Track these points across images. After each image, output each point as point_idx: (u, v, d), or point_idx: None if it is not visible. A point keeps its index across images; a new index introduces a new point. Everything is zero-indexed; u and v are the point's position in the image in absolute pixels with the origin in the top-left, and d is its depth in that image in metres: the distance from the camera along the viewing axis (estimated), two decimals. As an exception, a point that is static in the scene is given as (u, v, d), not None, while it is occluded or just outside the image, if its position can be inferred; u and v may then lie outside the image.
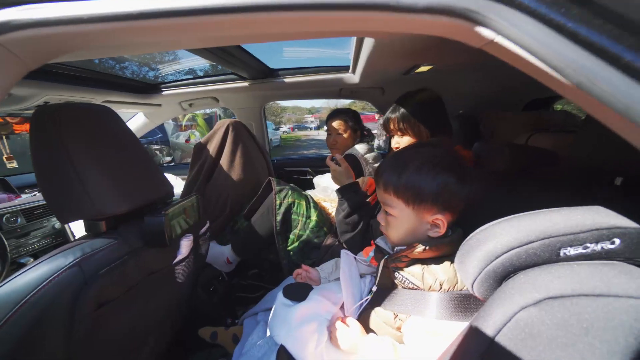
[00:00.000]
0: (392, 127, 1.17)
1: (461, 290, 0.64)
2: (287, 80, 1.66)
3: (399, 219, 0.68)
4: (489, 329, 0.46)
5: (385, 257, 0.73)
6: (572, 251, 0.49)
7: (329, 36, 0.64)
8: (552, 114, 1.42)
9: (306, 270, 0.95)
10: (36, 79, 1.13)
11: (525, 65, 0.38)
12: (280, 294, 0.82)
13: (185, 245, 0.78)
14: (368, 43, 0.94)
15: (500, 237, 0.51)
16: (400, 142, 1.17)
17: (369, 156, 1.76)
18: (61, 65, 1.18)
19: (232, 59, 1.34)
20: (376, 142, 2.15)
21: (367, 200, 1.35)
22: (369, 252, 0.92)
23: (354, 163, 1.71)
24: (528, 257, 0.49)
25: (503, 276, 0.51)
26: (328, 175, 1.57)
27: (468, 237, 0.58)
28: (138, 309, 0.65)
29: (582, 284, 0.42)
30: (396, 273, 0.71)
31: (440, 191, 0.63)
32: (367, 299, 0.77)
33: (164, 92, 1.76)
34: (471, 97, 1.55)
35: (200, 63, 1.80)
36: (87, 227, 0.64)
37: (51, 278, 0.49)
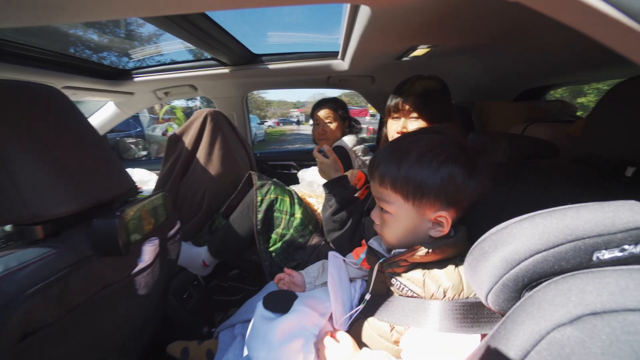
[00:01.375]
0: (407, 107, 1.02)
1: (467, 297, 0.56)
2: (272, 66, 1.54)
3: (397, 216, 0.59)
4: (512, 352, 0.38)
5: (380, 261, 0.64)
6: (607, 255, 0.41)
7: (319, 1, 0.54)
8: (547, 103, 1.37)
9: (289, 274, 0.85)
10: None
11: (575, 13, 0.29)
12: (259, 304, 0.72)
13: (149, 251, 0.67)
14: (361, 21, 0.84)
15: (522, 238, 0.43)
16: (408, 126, 1.04)
17: (358, 149, 1.67)
18: (7, 42, 1.03)
19: (211, 41, 1.21)
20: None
21: (357, 195, 1.27)
22: (359, 253, 0.84)
23: (343, 156, 1.62)
24: (556, 262, 0.41)
25: (524, 285, 0.44)
26: (314, 169, 1.47)
27: (480, 239, 0.49)
28: (86, 332, 0.54)
29: (631, 295, 0.34)
30: (393, 279, 0.62)
31: (445, 184, 0.54)
32: (359, 309, 0.68)
33: (136, 79, 1.61)
34: (465, 86, 1.48)
35: (177, 47, 1.65)
36: (19, 234, 0.52)
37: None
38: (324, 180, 1.06)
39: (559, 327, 0.35)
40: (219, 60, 1.51)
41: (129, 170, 1.90)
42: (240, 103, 1.92)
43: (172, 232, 0.81)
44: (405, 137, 0.60)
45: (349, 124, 1.78)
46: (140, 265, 0.65)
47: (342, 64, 1.48)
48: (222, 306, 1.54)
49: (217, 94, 1.87)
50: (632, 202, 0.41)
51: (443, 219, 0.56)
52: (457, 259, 0.59)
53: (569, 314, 0.35)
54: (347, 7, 0.84)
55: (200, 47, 1.28)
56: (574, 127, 1.05)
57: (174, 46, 1.56)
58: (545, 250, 0.41)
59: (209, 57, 1.51)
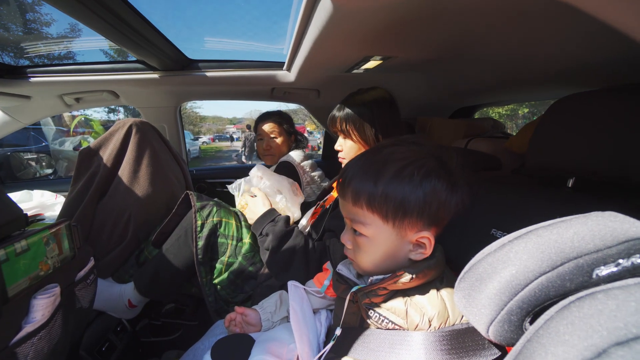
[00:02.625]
0: (334, 127, 1.05)
1: (453, 324, 0.51)
2: (210, 74, 1.39)
3: (374, 239, 0.52)
4: (535, 398, 0.32)
5: (354, 290, 0.56)
6: (604, 271, 0.39)
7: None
8: (482, 120, 1.49)
9: (242, 313, 0.71)
10: None
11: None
12: (207, 357, 0.57)
13: (42, 306, 0.47)
14: (316, 27, 0.78)
15: (523, 259, 0.39)
16: (344, 145, 1.06)
17: (306, 164, 1.60)
18: None
19: (138, 40, 1.03)
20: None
21: (293, 225, 1.18)
22: (322, 280, 0.74)
23: (291, 172, 1.53)
24: (562, 284, 0.37)
25: (528, 313, 0.39)
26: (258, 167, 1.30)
27: (472, 264, 0.44)
28: None
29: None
30: (370, 311, 0.54)
31: (428, 201, 0.49)
32: (328, 348, 0.58)
33: (32, 79, 1.30)
34: (408, 103, 1.53)
35: (93, 45, 1.39)
36: None
37: None
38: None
39: (586, 363, 0.30)
40: (147, 63, 1.31)
41: (24, 193, 1.53)
42: (173, 114, 1.71)
43: (82, 272, 0.62)
44: (379, 148, 0.53)
45: (295, 139, 1.70)
46: (27, 329, 0.45)
47: (287, 76, 1.41)
48: (155, 350, 1.29)
49: (145, 103, 1.63)
50: (612, 213, 0.40)
51: (425, 240, 0.51)
52: (437, 281, 0.54)
53: (594, 348, 0.31)
54: (300, 11, 0.78)
55: (124, 47, 1.08)
56: (510, 142, 1.14)
57: (91, 43, 1.31)
58: (550, 271, 0.37)
59: (134, 59, 1.30)
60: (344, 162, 1.09)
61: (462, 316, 0.51)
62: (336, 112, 1.03)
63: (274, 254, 0.90)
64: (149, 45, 1.10)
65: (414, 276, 0.49)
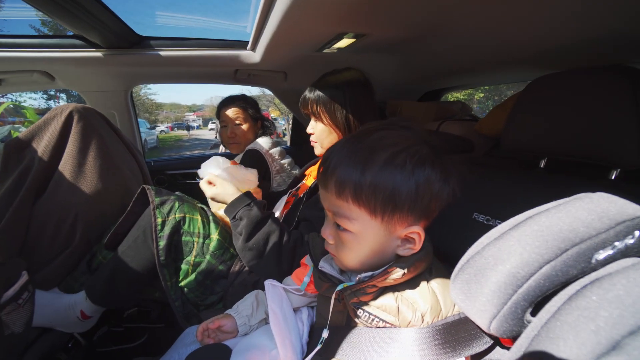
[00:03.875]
0: (306, 109, 1.00)
1: (446, 317, 0.49)
2: (164, 54, 1.24)
3: (360, 236, 0.47)
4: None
5: (339, 289, 0.52)
6: (602, 255, 0.38)
7: None
8: (451, 103, 1.50)
9: (218, 326, 0.64)
10: None
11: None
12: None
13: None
14: (282, 3, 0.70)
15: (526, 248, 0.37)
16: (315, 128, 1.01)
17: (275, 151, 1.52)
18: None
19: (74, 9, 0.87)
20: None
21: (279, 207, 1.11)
22: (301, 276, 0.69)
23: (258, 160, 1.45)
24: (565, 271, 0.36)
25: (531, 303, 0.37)
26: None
27: (469, 256, 0.41)
28: None
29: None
30: (359, 310, 0.50)
31: (421, 192, 0.44)
32: (315, 351, 0.54)
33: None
34: (380, 85, 1.49)
35: (17, 13, 1.17)
36: None
37: None
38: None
39: (602, 358, 0.29)
40: (87, 39, 1.13)
41: None
42: (124, 99, 1.52)
43: (11, 292, 0.51)
44: (366, 132, 0.48)
45: (261, 125, 1.61)
46: None
47: (252, 56, 1.30)
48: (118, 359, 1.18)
49: (88, 86, 1.44)
50: (608, 195, 0.39)
51: (415, 236, 0.47)
52: (426, 272, 0.51)
53: (607, 340, 0.29)
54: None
55: (58, 18, 0.92)
56: (480, 124, 1.14)
57: (15, 12, 1.09)
58: (554, 259, 0.35)
59: (71, 33, 1.12)
60: (316, 146, 1.04)
61: (454, 307, 0.49)
62: (307, 94, 0.98)
63: (246, 241, 0.84)
64: (88, 17, 0.94)
65: (405, 271, 0.46)
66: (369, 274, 0.49)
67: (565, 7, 0.61)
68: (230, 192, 0.91)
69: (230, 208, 0.88)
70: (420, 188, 0.44)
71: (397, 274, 0.46)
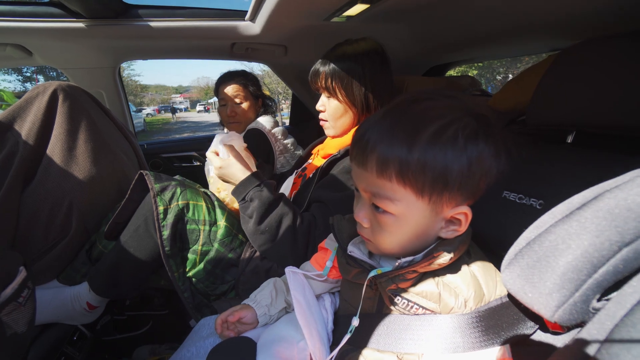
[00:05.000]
0: (317, 84, 0.92)
1: (488, 302, 0.45)
2: (155, 24, 1.13)
3: (403, 217, 0.43)
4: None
5: (373, 275, 0.48)
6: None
7: None
8: (459, 78, 1.44)
9: (237, 318, 0.60)
10: None
11: None
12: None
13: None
14: None
15: (599, 229, 0.33)
16: (327, 104, 0.93)
17: (277, 131, 1.45)
18: None
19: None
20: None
21: (287, 188, 1.06)
22: (321, 261, 0.65)
23: (261, 140, 1.38)
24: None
25: (603, 290, 0.33)
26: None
27: (530, 239, 0.37)
28: None
29: None
30: (397, 297, 0.47)
31: (473, 169, 0.40)
32: (344, 340, 0.51)
33: None
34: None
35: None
36: None
37: None
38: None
39: None
40: (66, 7, 1.02)
41: None
42: (112, 76, 1.41)
43: (9, 290, 0.45)
44: (406, 104, 0.42)
45: (262, 103, 1.52)
46: None
47: (251, 27, 1.20)
48: (123, 349, 1.15)
49: (71, 62, 1.32)
50: None
51: (462, 216, 0.43)
52: (465, 255, 0.48)
53: None
54: None
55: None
56: (494, 99, 1.09)
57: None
58: (636, 240, 0.31)
59: (47, 0, 1.00)
60: (326, 125, 0.97)
61: (497, 290, 0.46)
62: (320, 66, 0.89)
63: (258, 224, 0.79)
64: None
65: (452, 255, 0.42)
66: (409, 258, 0.45)
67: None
68: (239, 168, 0.84)
69: (240, 189, 0.82)
70: (472, 165, 0.39)
71: (444, 259, 0.42)
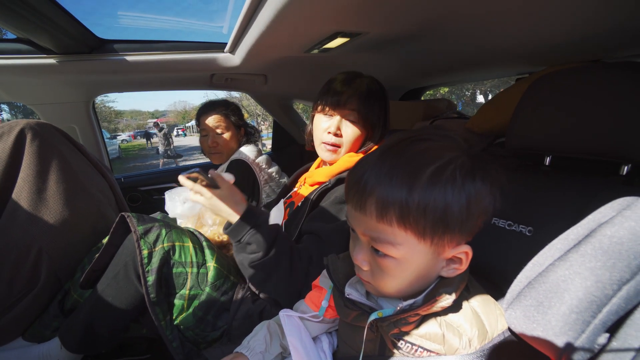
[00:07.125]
0: (336, 107, 0.87)
1: (492, 339, 0.44)
2: (131, 59, 1.11)
3: (404, 261, 0.42)
4: None
5: (373, 319, 0.46)
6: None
7: None
8: (437, 101, 1.49)
9: None
10: None
11: None
12: None
13: None
14: (274, 3, 0.64)
15: (599, 267, 0.33)
16: (345, 128, 0.88)
17: (261, 160, 1.43)
18: None
19: (20, 8, 0.74)
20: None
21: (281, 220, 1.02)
22: (316, 301, 0.62)
23: (245, 171, 1.35)
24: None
25: (607, 328, 0.33)
26: (179, 190, 1.08)
27: (529, 278, 0.37)
28: None
29: None
30: (400, 342, 0.45)
31: (472, 208, 0.39)
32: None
33: None
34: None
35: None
36: None
37: None
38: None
39: None
40: (36, 44, 0.98)
41: None
42: (85, 111, 1.36)
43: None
44: (402, 145, 0.42)
45: (245, 132, 1.50)
46: None
47: (231, 59, 1.21)
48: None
49: (41, 98, 1.26)
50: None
51: (463, 255, 0.42)
52: (464, 291, 0.47)
53: None
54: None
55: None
56: (471, 122, 1.14)
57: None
58: (633, 278, 0.31)
59: (14, 37, 0.97)
60: (338, 151, 0.90)
61: (498, 324, 0.45)
62: (342, 87, 0.86)
63: (261, 259, 0.73)
64: (36, 18, 0.80)
65: (454, 297, 0.41)
66: (410, 301, 0.44)
67: (554, 7, 0.60)
68: (234, 201, 0.75)
69: (236, 231, 0.74)
70: (471, 204, 0.39)
71: (447, 301, 0.41)
